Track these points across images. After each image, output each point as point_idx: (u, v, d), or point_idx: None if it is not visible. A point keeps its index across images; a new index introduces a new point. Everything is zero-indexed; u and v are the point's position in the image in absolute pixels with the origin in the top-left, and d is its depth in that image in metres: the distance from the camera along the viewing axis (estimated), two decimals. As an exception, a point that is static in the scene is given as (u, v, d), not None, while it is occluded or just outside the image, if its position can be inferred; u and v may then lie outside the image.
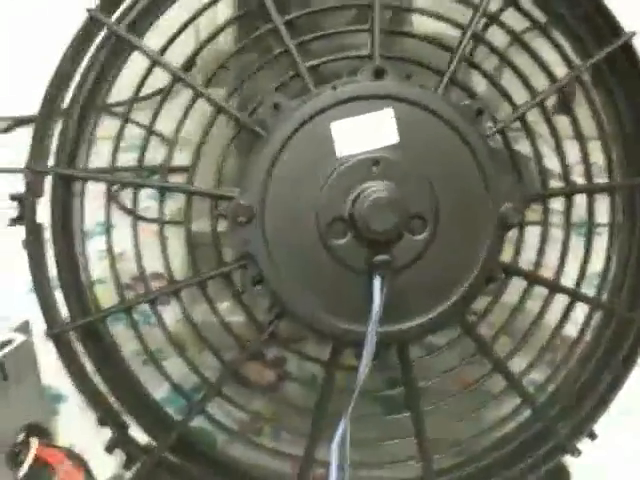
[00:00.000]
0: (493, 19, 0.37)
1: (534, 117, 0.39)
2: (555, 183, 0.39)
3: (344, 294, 0.35)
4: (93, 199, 0.37)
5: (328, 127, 0.34)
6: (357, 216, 0.34)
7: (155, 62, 0.35)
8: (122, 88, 0.37)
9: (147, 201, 0.41)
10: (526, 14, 0.38)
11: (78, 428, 0.43)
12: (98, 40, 0.35)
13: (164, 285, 0.36)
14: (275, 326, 0.35)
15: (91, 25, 0.35)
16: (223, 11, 0.42)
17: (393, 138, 0.34)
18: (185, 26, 0.35)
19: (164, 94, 0.35)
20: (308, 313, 0.35)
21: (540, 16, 0.40)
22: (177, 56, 0.37)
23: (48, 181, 0.36)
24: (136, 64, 0.36)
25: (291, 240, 0.34)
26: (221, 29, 0.36)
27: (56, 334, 0.36)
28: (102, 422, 0.37)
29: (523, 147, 0.39)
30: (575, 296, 0.38)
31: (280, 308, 0.35)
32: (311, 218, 0.34)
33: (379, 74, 0.34)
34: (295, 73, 0.35)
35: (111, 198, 0.36)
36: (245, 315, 0.36)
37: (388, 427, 0.39)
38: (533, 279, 0.37)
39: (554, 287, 0.38)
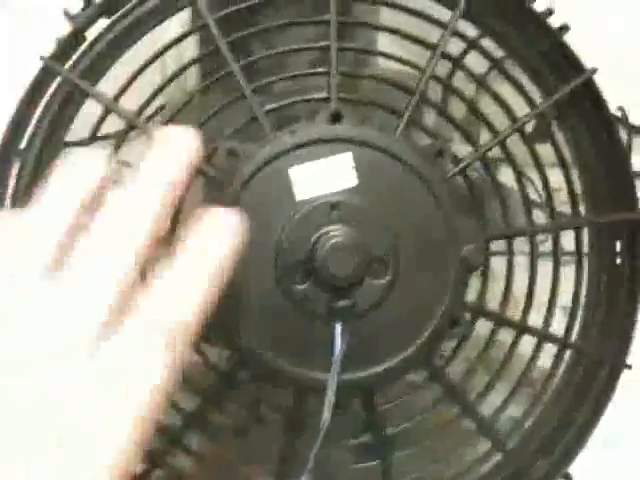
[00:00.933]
0: (456, 62, 0.37)
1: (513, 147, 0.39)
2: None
3: (305, 341, 0.34)
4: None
5: (286, 172, 0.34)
6: (316, 261, 0.33)
7: (109, 109, 0.34)
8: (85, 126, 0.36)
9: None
10: (487, 55, 0.38)
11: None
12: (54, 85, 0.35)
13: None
14: (233, 376, 0.34)
15: (45, 72, 0.34)
16: (190, 48, 0.42)
17: (352, 182, 0.34)
18: (139, 72, 0.35)
19: (119, 139, 0.35)
20: (268, 362, 0.34)
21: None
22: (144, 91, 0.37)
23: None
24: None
25: (251, 287, 0.34)
26: (176, 74, 0.36)
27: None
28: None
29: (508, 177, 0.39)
30: (542, 336, 0.37)
31: (238, 357, 0.34)
32: (270, 264, 0.34)
33: (336, 118, 0.34)
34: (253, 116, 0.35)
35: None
36: (202, 361, 0.35)
37: (357, 475, 0.38)
38: (499, 320, 0.37)
39: (521, 328, 0.37)
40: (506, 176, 0.40)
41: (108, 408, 0.21)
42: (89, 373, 0.21)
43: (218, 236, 0.24)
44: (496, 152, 0.38)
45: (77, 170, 0.24)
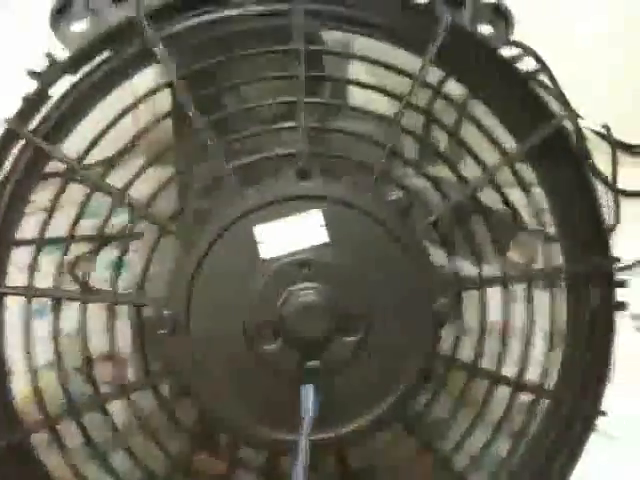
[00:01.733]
0: (427, 114, 0.37)
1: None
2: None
3: (276, 402, 0.34)
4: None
5: (252, 231, 0.33)
6: (286, 321, 0.33)
7: (73, 170, 0.34)
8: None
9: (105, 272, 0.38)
10: (455, 104, 0.38)
11: None
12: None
13: (90, 398, 0.35)
14: (205, 438, 0.34)
15: (8, 135, 0.34)
16: (164, 97, 0.41)
17: (321, 238, 0.34)
18: (106, 130, 0.35)
19: (85, 199, 0.34)
20: (240, 424, 0.33)
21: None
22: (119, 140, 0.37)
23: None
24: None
25: (219, 349, 0.33)
26: (150, 126, 0.36)
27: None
28: None
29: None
30: (517, 386, 0.37)
31: (210, 420, 0.34)
32: (239, 325, 0.33)
33: (304, 174, 0.34)
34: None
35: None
36: (173, 425, 0.35)
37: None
38: (473, 371, 0.37)
39: (495, 379, 0.37)
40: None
41: None
42: None
43: None
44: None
45: None
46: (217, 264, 0.33)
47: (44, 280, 0.36)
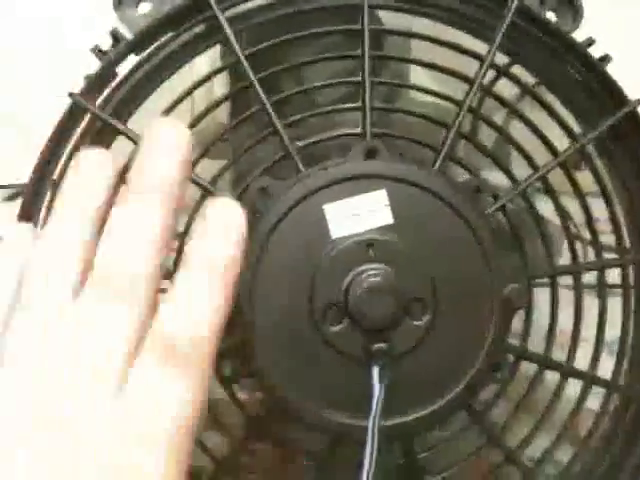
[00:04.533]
0: (486, 91, 0.36)
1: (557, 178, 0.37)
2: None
3: (342, 385, 0.33)
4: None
5: (319, 210, 0.32)
6: (352, 302, 0.32)
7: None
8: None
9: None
10: (520, 84, 0.37)
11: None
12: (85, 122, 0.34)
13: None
14: (265, 420, 0.33)
15: (74, 109, 0.34)
16: (219, 82, 0.41)
17: (388, 219, 0.33)
18: (170, 110, 0.34)
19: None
20: (303, 408, 0.32)
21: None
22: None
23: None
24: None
25: (284, 329, 0.32)
26: (208, 111, 0.35)
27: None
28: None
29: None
30: (589, 380, 0.35)
31: (273, 402, 0.33)
32: (304, 305, 0.32)
33: (371, 153, 0.33)
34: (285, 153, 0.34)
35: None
36: (236, 406, 0.34)
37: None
38: (544, 363, 0.35)
39: (566, 372, 0.35)
40: (540, 205, 0.38)
41: (135, 452, 0.21)
42: (113, 415, 0.21)
43: (225, 237, 0.24)
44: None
45: (86, 183, 0.25)
46: (282, 243, 0.32)
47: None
